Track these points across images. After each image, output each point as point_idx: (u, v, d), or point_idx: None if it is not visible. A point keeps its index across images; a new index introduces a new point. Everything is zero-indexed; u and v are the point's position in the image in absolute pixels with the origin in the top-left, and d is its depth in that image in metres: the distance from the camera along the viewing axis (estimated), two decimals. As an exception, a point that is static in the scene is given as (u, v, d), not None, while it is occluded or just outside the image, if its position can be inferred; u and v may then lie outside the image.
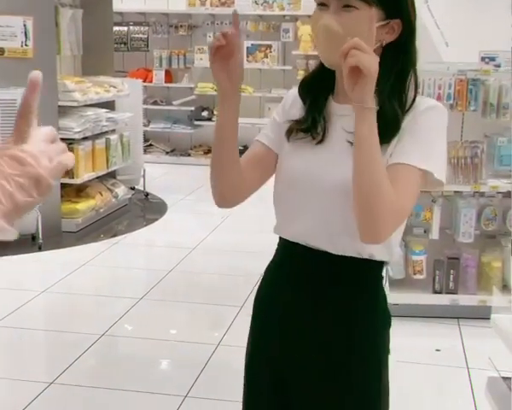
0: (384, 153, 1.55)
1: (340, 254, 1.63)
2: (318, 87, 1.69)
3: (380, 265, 1.69)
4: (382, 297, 1.72)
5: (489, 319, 2.70)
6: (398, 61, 1.60)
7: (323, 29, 1.57)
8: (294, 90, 1.76)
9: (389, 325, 1.72)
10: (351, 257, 1.63)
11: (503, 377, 2.77)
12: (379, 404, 1.70)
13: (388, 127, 1.56)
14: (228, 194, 1.75)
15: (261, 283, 1.82)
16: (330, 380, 1.66)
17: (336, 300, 1.66)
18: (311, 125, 1.66)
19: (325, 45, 1.58)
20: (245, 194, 1.77)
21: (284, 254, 1.75)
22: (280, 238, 1.76)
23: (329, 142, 1.64)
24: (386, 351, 1.72)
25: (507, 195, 4.37)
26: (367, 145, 1.48)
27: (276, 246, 1.79)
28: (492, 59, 5.17)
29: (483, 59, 5.19)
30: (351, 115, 1.53)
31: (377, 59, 1.45)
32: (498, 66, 5.00)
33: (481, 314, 3.87)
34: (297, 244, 1.68)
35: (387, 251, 1.66)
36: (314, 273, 1.67)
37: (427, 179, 1.59)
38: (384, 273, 1.75)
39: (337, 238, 1.63)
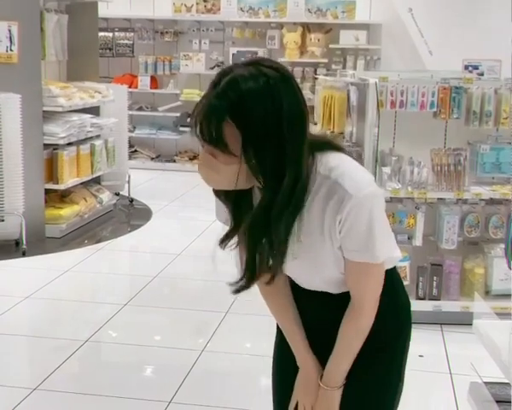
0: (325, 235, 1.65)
1: (333, 292, 1.79)
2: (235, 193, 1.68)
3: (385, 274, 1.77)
4: (398, 302, 1.88)
5: (471, 324, 2.72)
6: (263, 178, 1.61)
7: (201, 172, 1.62)
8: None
9: (409, 323, 1.95)
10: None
11: (486, 383, 2.80)
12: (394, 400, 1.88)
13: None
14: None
15: None
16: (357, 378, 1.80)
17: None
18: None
19: (214, 185, 1.64)
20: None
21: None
22: None
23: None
24: (407, 351, 1.96)
25: (489, 202, 4.41)
26: None
27: None
28: (476, 67, 5.22)
29: (466, 67, 5.25)
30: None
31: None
32: (481, 74, 5.06)
33: (464, 320, 3.90)
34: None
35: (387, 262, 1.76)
36: (318, 303, 1.82)
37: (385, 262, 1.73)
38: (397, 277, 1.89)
39: (322, 287, 1.79)
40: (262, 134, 1.50)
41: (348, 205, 1.58)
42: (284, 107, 1.51)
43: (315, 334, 1.84)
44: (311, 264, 1.71)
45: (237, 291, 1.72)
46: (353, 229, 1.61)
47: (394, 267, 1.84)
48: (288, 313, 1.84)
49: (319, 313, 1.83)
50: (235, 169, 1.54)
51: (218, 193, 1.71)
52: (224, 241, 1.76)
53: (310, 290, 1.81)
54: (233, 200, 1.68)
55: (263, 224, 1.60)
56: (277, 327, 1.95)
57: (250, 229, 1.63)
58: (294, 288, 1.85)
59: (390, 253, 1.74)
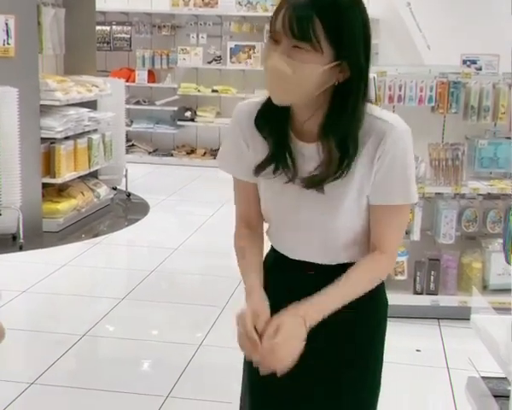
0: (354, 177, 1.62)
1: (328, 264, 1.72)
2: (275, 117, 1.65)
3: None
4: (382, 294, 1.81)
5: (469, 319, 2.72)
6: (348, 100, 1.58)
7: (272, 69, 1.55)
8: (244, 112, 1.73)
9: (386, 316, 1.84)
10: (345, 263, 1.71)
11: (483, 377, 2.80)
12: (376, 393, 1.86)
13: (342, 162, 1.59)
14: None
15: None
16: (333, 369, 1.75)
17: None
18: (281, 166, 1.66)
19: (273, 85, 1.58)
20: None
21: (278, 261, 1.81)
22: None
23: (298, 179, 1.66)
24: (383, 342, 1.86)
25: (487, 197, 4.41)
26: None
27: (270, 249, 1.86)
28: (474, 62, 5.22)
29: (464, 62, 5.25)
30: (311, 156, 1.62)
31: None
32: (479, 69, 5.06)
33: (461, 315, 3.90)
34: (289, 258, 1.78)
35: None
36: (310, 281, 1.71)
37: (408, 207, 1.72)
38: None
39: (318, 253, 1.73)
40: (350, 36, 1.54)
41: (391, 136, 1.60)
42: (367, 21, 1.58)
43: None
44: (324, 214, 1.67)
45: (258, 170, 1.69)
46: (394, 163, 1.60)
47: None
48: (257, 250, 1.79)
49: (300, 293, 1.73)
50: (312, 69, 1.53)
51: (264, 116, 1.67)
52: (258, 170, 1.69)
53: (294, 263, 1.75)
54: (273, 130, 1.66)
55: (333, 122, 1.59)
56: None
57: (326, 128, 1.59)
58: (277, 266, 1.80)
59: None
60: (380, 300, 1.81)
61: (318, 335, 1.63)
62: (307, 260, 1.73)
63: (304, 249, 1.73)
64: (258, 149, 1.69)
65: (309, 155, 1.64)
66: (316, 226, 1.68)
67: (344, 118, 1.58)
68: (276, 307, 1.67)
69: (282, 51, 1.53)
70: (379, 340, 1.83)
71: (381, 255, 1.68)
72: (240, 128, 1.73)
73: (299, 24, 1.51)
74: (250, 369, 1.83)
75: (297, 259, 1.75)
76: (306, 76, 1.53)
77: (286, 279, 1.77)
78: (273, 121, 1.65)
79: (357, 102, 1.58)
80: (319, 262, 1.73)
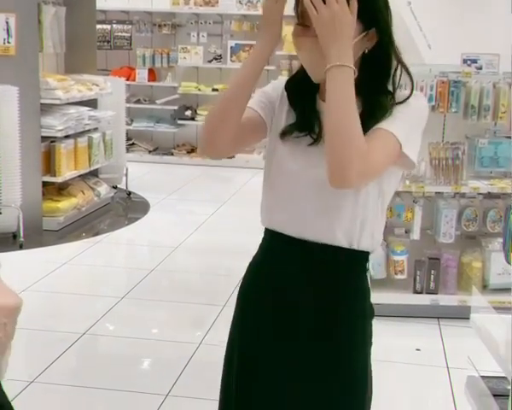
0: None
1: (319, 241, 1.69)
2: (305, 87, 1.72)
3: (364, 255, 1.74)
4: (367, 289, 1.78)
5: (469, 318, 2.73)
6: (380, 66, 1.68)
7: (305, 55, 1.65)
8: (282, 83, 1.81)
9: (372, 315, 1.79)
10: (334, 246, 1.69)
11: (483, 377, 2.80)
12: (366, 390, 1.76)
13: (372, 117, 1.63)
14: (222, 141, 1.72)
15: (247, 274, 1.87)
16: (318, 367, 1.71)
17: (323, 288, 1.72)
18: (309, 128, 1.70)
19: (310, 68, 1.66)
20: (233, 149, 1.78)
21: (270, 245, 1.80)
22: (265, 231, 1.81)
23: (322, 142, 1.67)
24: (370, 341, 1.78)
25: (487, 196, 4.42)
26: (343, 89, 1.55)
27: (262, 238, 1.84)
28: (474, 61, 5.22)
29: (465, 61, 5.24)
30: None
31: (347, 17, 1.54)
32: (480, 68, 5.05)
33: (461, 314, 3.90)
34: (282, 235, 1.74)
35: (370, 241, 1.73)
36: (299, 262, 1.72)
37: (403, 161, 1.67)
38: (369, 267, 1.80)
39: (314, 224, 1.70)
40: (375, 3, 1.64)
41: (414, 96, 1.69)
42: None
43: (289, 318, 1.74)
44: None
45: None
46: (406, 111, 1.65)
47: (368, 256, 1.77)
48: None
49: (298, 287, 1.73)
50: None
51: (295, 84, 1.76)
52: (285, 133, 1.73)
53: (290, 246, 1.73)
54: (302, 99, 1.74)
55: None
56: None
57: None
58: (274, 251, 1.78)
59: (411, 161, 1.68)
60: (362, 304, 1.77)
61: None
62: (304, 236, 1.71)
63: (303, 220, 1.71)
64: (283, 114, 1.76)
65: None
66: (327, 186, 1.61)
67: (377, 84, 1.67)
68: (271, 295, 1.74)
69: (314, 34, 1.58)
70: (361, 341, 1.76)
71: None
72: (275, 89, 1.80)
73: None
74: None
75: (293, 236, 1.72)
76: None
77: (280, 267, 1.76)
78: (303, 89, 1.72)
79: (387, 63, 1.68)
80: (316, 239, 1.70)
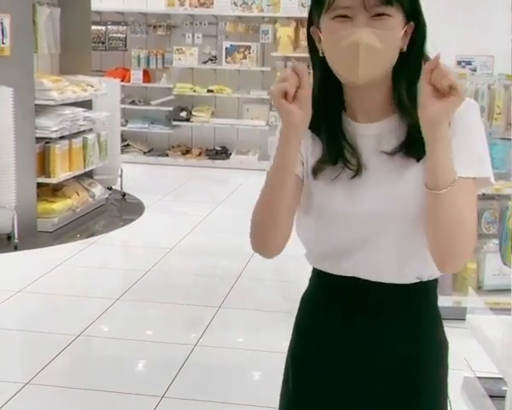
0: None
1: (394, 282, 1.50)
2: (326, 107, 1.50)
3: (437, 281, 1.58)
4: (440, 319, 1.61)
5: (464, 319, 2.73)
6: (416, 67, 1.45)
7: (361, 45, 1.38)
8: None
9: (447, 350, 1.61)
10: (404, 284, 1.51)
11: (479, 377, 2.80)
12: None
13: (421, 139, 1.40)
14: (283, 243, 1.51)
15: (302, 312, 1.64)
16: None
17: (398, 329, 1.53)
18: (342, 159, 1.48)
19: (366, 64, 1.39)
20: (289, 234, 1.52)
21: (330, 286, 1.57)
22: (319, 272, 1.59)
23: (366, 169, 1.47)
24: (447, 383, 1.61)
25: (482, 197, 4.41)
26: (447, 175, 1.36)
27: (312, 276, 1.62)
28: (469, 63, 5.22)
29: (459, 63, 5.24)
30: (380, 133, 1.47)
31: None
32: (474, 69, 5.06)
33: (457, 315, 3.89)
34: (345, 277, 1.53)
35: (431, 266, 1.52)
36: (368, 302, 1.52)
37: (480, 183, 1.49)
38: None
39: (399, 268, 1.50)
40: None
41: (463, 104, 1.37)
42: None
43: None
44: (398, 201, 1.45)
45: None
46: (468, 131, 1.43)
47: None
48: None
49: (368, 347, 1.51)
50: (395, 34, 1.41)
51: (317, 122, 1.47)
52: (315, 172, 1.49)
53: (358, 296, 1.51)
54: (327, 128, 1.50)
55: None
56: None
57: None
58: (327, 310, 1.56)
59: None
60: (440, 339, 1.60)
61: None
62: (368, 277, 1.50)
63: (365, 259, 1.49)
64: (311, 148, 1.52)
65: (375, 134, 1.48)
66: (398, 218, 1.45)
67: (415, 85, 1.42)
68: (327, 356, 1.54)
69: (364, 25, 1.39)
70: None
71: None
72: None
73: None
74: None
75: (353, 276, 1.50)
76: (393, 44, 1.41)
77: (339, 314, 1.54)
78: (324, 110, 1.49)
79: (420, 64, 1.44)
80: (382, 279, 1.50)
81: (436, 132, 1.34)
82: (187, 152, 9.69)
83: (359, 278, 1.50)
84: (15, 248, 5.62)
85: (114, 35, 9.67)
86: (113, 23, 9.67)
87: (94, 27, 8.78)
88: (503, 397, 2.35)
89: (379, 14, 1.39)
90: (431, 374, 1.55)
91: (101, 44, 9.60)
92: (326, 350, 1.56)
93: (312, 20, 1.48)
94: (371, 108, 1.49)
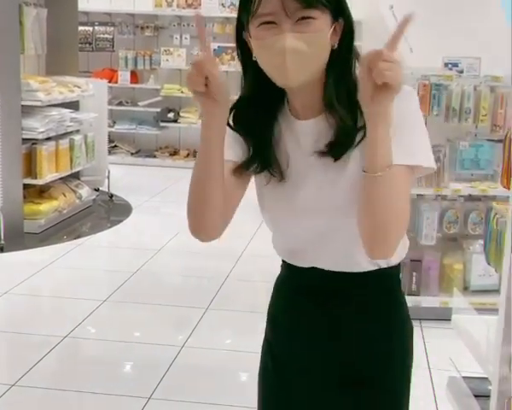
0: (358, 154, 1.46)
1: (355, 271, 1.55)
2: (255, 112, 1.52)
3: (397, 268, 1.62)
4: (405, 303, 1.64)
5: (450, 320, 2.74)
6: (346, 63, 1.49)
7: (288, 51, 1.40)
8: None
9: (412, 332, 1.65)
10: (366, 271, 1.55)
11: (464, 377, 2.82)
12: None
13: (349, 134, 1.46)
14: (217, 227, 1.56)
15: (271, 298, 1.73)
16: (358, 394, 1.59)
17: (361, 310, 1.58)
18: (267, 168, 1.53)
19: (291, 66, 1.41)
20: (226, 222, 1.57)
21: (295, 273, 1.63)
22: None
23: (298, 169, 1.51)
24: (411, 363, 1.65)
25: (468, 198, 4.45)
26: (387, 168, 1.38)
27: (281, 265, 1.70)
28: (455, 64, 5.25)
29: (446, 64, 5.27)
30: (319, 130, 1.49)
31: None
32: (461, 71, 5.09)
33: (443, 316, 3.93)
34: (306, 267, 1.59)
35: (399, 253, 1.57)
36: (330, 288, 1.57)
37: (417, 171, 1.48)
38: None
39: (351, 260, 1.54)
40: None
41: (400, 92, 1.36)
42: None
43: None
44: (323, 193, 1.50)
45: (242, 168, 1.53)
46: (403, 119, 1.43)
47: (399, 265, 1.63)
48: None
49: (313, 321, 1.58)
50: (323, 35, 1.42)
51: (245, 118, 1.52)
52: (239, 169, 1.53)
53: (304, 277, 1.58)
54: (256, 132, 1.53)
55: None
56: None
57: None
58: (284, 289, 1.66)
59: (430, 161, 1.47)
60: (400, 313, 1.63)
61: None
62: (319, 265, 1.57)
63: (333, 257, 1.55)
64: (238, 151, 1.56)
65: (314, 131, 1.51)
66: (324, 214, 1.50)
67: (345, 80, 1.47)
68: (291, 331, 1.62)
69: (289, 30, 1.40)
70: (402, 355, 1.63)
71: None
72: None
73: None
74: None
75: (308, 266, 1.58)
76: (321, 45, 1.43)
77: (298, 297, 1.62)
78: (253, 114, 1.52)
79: (353, 61, 1.49)
80: (329, 267, 1.55)
81: (377, 119, 1.35)
82: (175, 153, 9.68)
83: (317, 268, 1.57)
84: (1, 250, 5.60)
85: (102, 36, 9.63)
86: (101, 24, 9.64)
87: (81, 28, 8.74)
88: (488, 397, 2.37)
89: (303, 18, 1.41)
90: (392, 357, 1.60)
91: (88, 45, 9.57)
92: (290, 338, 1.63)
93: (243, 25, 1.49)
94: (308, 106, 1.51)
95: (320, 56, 1.45)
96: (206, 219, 1.53)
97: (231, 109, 1.50)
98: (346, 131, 1.46)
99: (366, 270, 1.55)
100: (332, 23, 1.45)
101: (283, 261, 1.67)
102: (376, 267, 1.56)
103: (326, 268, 1.56)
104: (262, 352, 1.74)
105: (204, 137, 1.45)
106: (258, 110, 1.53)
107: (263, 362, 1.74)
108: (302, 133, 1.52)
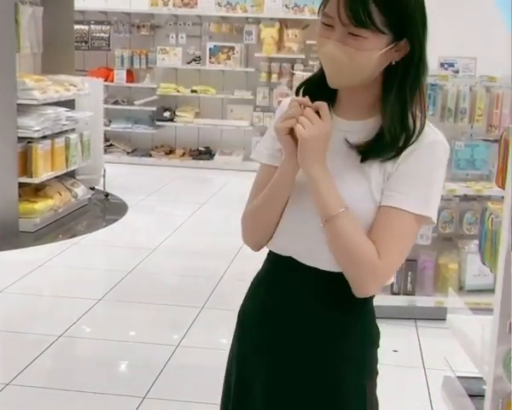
0: (372, 175, 1.51)
1: (327, 269, 1.57)
2: (318, 94, 1.56)
3: None
4: (371, 312, 1.65)
5: (445, 319, 2.75)
6: (406, 77, 1.53)
7: (328, 57, 1.49)
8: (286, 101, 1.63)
9: (377, 342, 1.67)
10: (337, 273, 1.55)
11: (459, 377, 2.82)
12: None
13: (385, 145, 1.50)
14: (267, 239, 1.66)
15: (249, 292, 1.80)
16: (313, 398, 1.62)
17: (324, 314, 1.60)
18: None
19: (331, 71, 1.52)
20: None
21: (272, 266, 1.69)
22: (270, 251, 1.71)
23: (328, 157, 1.52)
24: (374, 371, 1.70)
25: (464, 198, 4.45)
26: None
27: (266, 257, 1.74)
28: (451, 65, 5.25)
29: (442, 65, 5.28)
30: (356, 132, 1.54)
31: (320, 129, 1.46)
32: (457, 71, 5.09)
33: (438, 315, 3.93)
34: (285, 258, 1.63)
35: None
36: (301, 288, 1.60)
37: (424, 222, 1.54)
38: None
39: (321, 254, 1.57)
40: (409, 12, 1.48)
41: (429, 138, 1.52)
42: (423, 3, 1.52)
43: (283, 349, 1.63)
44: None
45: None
46: (419, 168, 1.49)
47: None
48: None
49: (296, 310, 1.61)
50: (369, 55, 1.46)
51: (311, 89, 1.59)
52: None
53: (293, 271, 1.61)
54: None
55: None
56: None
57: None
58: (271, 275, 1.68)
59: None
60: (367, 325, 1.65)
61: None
62: (306, 262, 1.60)
63: (308, 245, 1.58)
64: None
65: (358, 131, 1.55)
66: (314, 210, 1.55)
67: (402, 94, 1.53)
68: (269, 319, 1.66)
69: (337, 38, 1.46)
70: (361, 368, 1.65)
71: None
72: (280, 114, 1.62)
73: (354, 11, 1.43)
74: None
75: (298, 260, 1.61)
76: (364, 63, 1.47)
77: (283, 284, 1.64)
78: (314, 96, 1.55)
79: (415, 80, 1.54)
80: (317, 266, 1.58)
81: (309, 173, 1.49)
82: (170, 152, 9.67)
83: (293, 259, 1.60)
84: (-3, 249, 5.59)
85: (97, 34, 9.62)
86: (97, 22, 9.63)
87: (77, 27, 8.72)
88: (482, 396, 2.37)
89: (354, 34, 1.45)
90: (357, 355, 1.62)
91: (84, 44, 9.55)
92: (258, 326, 1.72)
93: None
94: (351, 108, 1.58)
95: (362, 72, 1.49)
96: (265, 237, 1.65)
97: (302, 85, 1.61)
98: (392, 136, 1.50)
99: (330, 270, 1.56)
100: (390, 43, 1.48)
101: (267, 256, 1.71)
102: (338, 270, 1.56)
103: (300, 259, 1.59)
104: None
105: (285, 176, 1.56)
106: (323, 92, 1.57)
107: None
108: (334, 129, 1.53)
